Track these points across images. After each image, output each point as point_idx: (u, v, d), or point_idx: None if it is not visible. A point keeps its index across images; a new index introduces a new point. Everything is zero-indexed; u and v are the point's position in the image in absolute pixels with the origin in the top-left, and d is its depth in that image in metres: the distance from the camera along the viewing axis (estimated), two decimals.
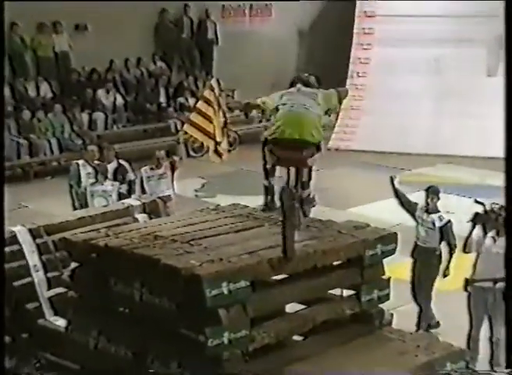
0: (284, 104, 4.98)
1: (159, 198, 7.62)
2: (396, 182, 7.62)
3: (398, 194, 7.61)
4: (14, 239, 6.10)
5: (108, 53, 14.83)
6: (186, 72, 16.13)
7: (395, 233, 5.39)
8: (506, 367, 4.45)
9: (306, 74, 5.33)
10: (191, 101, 14.82)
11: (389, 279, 5.34)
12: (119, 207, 6.81)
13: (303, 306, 5.18)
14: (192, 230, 5.30)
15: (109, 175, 9.21)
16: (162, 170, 9.37)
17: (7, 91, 13.64)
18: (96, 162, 9.28)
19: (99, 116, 14.46)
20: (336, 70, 15.84)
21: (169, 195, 9.21)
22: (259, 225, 5.38)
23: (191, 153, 13.43)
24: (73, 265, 5.36)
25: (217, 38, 16.21)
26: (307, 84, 5.20)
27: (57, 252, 6.14)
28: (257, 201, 5.63)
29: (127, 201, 7.04)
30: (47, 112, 13.63)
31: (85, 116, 14.29)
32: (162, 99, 15.44)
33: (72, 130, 13.80)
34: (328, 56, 16.66)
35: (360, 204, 10.58)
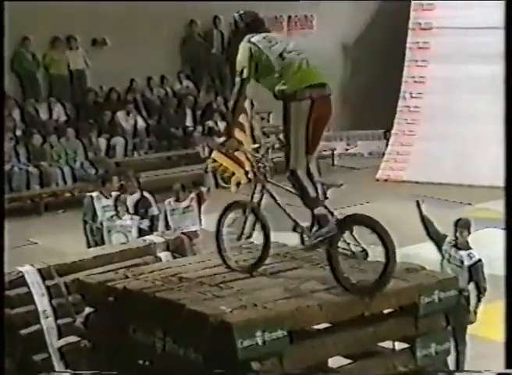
0: (290, 51, 5.06)
1: (184, 234, 7.67)
2: (422, 207, 7.57)
3: (425, 222, 7.56)
4: (22, 280, 6.17)
5: (129, 71, 15.07)
6: (216, 92, 16.28)
7: (455, 277, 5.33)
8: (506, 367, 4.50)
9: None
10: (221, 125, 14.95)
11: (448, 331, 5.28)
12: (140, 244, 6.89)
13: (348, 361, 5.13)
14: (221, 271, 5.33)
15: (130, 208, 9.29)
16: (188, 203, 9.44)
17: (16, 114, 13.92)
18: (115, 193, 9.37)
19: (118, 141, 14.65)
20: (385, 90, 15.89)
21: (196, 231, 9.25)
22: (298, 266, 5.39)
23: (221, 183, 13.47)
24: (88, 310, 5.41)
25: None
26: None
27: (69, 296, 6.20)
28: (295, 238, 5.63)
29: (149, 238, 7.11)
30: (60, 137, 13.86)
31: (102, 142, 14.49)
32: (189, 123, 15.60)
33: (86, 158, 13.98)
34: (376, 74, 16.72)
35: (414, 243, 10.47)
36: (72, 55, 14.76)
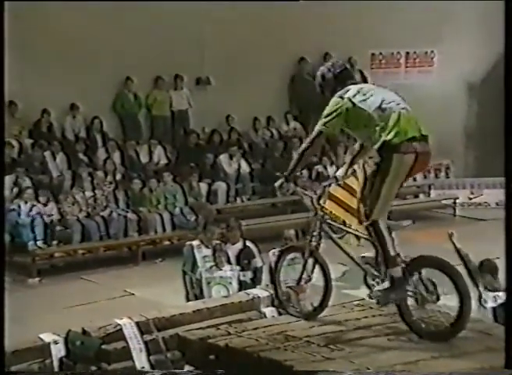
0: (389, 102, 5.16)
1: (290, 288, 7.67)
2: (454, 239, 7.55)
3: (461, 255, 7.51)
4: (119, 334, 6.27)
5: (233, 111, 15.35)
6: None
7: None
8: (506, 367, 4.52)
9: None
10: (330, 170, 14.94)
11: None
12: (243, 298, 6.91)
13: None
14: (331, 330, 5.33)
15: (231, 258, 9.37)
16: (295, 254, 9.42)
17: (117, 157, 14.30)
18: (216, 242, 9.48)
19: (220, 186, 14.83)
20: None
21: (301, 285, 9.21)
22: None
23: (330, 233, 13.40)
24: (187, 368, 5.48)
25: None
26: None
27: (168, 352, 6.28)
28: None
29: (252, 292, 7.15)
30: (159, 181, 14.11)
31: (203, 186, 14.67)
32: None
33: (186, 203, 14.19)
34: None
35: None
36: (175, 95, 15.15)
